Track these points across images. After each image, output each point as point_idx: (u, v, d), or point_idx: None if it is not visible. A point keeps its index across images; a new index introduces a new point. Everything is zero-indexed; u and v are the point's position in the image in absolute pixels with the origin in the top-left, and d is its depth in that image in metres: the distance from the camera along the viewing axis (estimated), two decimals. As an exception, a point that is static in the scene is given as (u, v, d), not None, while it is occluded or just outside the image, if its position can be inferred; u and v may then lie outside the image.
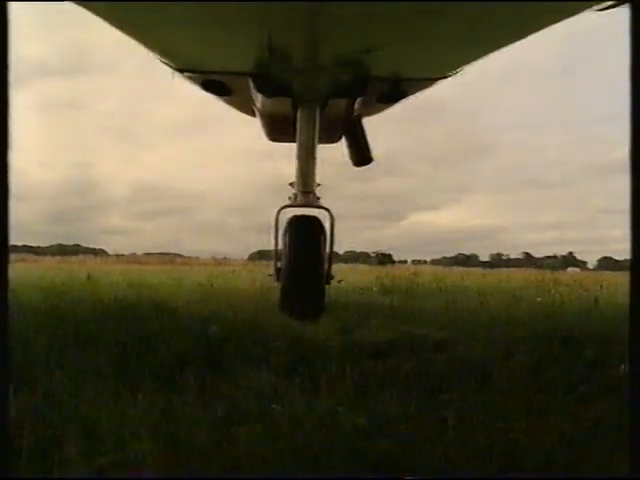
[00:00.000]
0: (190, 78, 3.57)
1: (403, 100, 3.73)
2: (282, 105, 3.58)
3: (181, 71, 3.45)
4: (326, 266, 3.57)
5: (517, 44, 2.93)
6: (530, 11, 2.58)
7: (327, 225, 3.55)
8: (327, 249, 3.56)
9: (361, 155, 4.08)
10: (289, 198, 3.63)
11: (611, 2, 2.56)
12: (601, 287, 7.52)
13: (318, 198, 3.59)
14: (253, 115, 4.31)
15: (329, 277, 3.62)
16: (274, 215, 3.57)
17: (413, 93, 3.66)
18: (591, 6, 2.58)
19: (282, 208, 3.59)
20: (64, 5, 2.60)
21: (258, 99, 3.65)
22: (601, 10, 2.67)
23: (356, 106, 3.72)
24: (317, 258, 3.51)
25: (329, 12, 2.50)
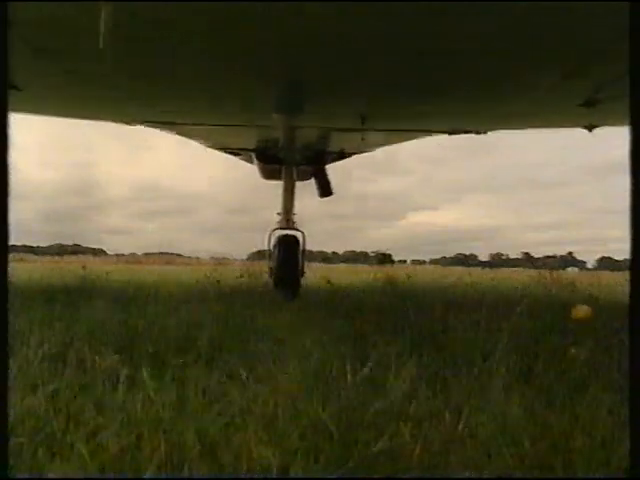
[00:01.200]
0: (216, 150, 5.94)
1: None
2: (272, 166, 5.88)
3: (210, 147, 5.79)
4: (300, 265, 5.71)
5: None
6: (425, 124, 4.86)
7: (301, 240, 5.73)
8: (301, 255, 5.71)
9: (324, 191, 6.28)
10: (277, 222, 5.80)
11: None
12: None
13: (294, 223, 5.75)
14: (252, 164, 6.59)
15: (302, 272, 5.76)
16: (268, 234, 5.77)
17: (354, 155, 5.99)
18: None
19: (273, 230, 5.76)
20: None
21: (257, 161, 5.96)
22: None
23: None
24: (295, 261, 5.66)
25: (300, 125, 4.77)
